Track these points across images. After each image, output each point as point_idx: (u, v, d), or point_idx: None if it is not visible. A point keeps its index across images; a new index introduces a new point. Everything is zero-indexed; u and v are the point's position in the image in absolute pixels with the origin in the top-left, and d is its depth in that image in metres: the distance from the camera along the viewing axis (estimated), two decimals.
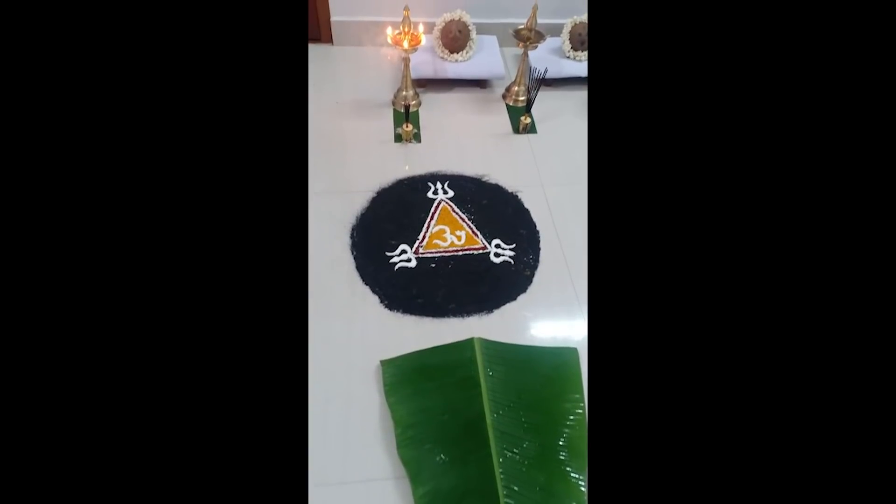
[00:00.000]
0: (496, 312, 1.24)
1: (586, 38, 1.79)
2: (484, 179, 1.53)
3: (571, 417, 1.06)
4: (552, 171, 1.57)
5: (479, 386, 1.07)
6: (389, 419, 1.05)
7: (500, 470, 0.98)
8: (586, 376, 1.11)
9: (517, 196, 1.49)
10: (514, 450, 1.01)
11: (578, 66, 1.80)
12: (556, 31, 1.81)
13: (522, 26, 1.64)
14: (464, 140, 1.64)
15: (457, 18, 1.72)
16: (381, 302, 1.24)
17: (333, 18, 1.84)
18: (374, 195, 1.46)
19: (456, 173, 1.54)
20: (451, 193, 1.48)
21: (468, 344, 1.14)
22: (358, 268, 1.30)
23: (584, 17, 1.78)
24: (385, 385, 1.09)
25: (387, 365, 1.11)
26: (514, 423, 1.04)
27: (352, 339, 1.17)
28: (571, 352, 1.15)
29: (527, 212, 1.46)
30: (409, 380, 1.09)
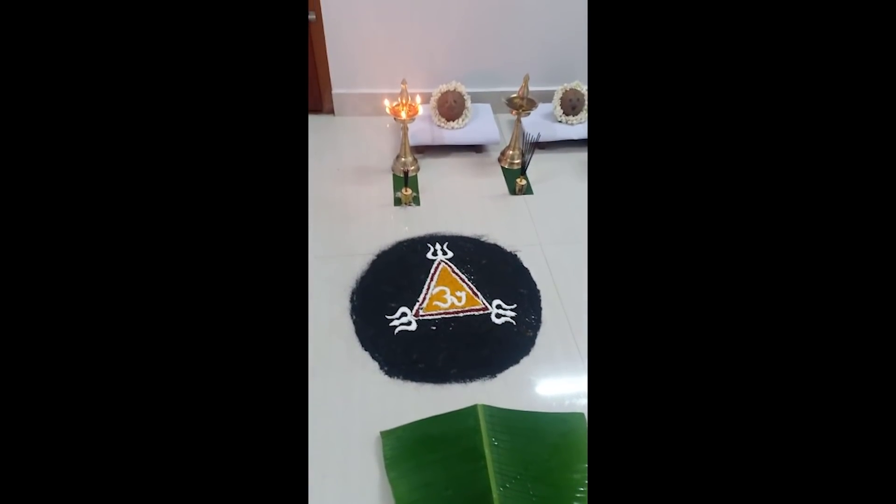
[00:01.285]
0: (499, 377, 1.21)
1: (577, 103, 1.87)
2: (482, 240, 1.55)
3: (581, 489, 1.00)
4: (550, 230, 1.59)
5: (484, 457, 1.03)
6: (390, 495, 0.99)
7: None
8: None
9: (516, 255, 1.50)
10: None
11: (570, 129, 1.88)
12: (547, 97, 1.90)
13: (515, 95, 1.72)
14: (462, 202, 1.68)
15: (452, 89, 1.81)
16: (381, 368, 1.21)
17: (334, 91, 1.94)
18: (374, 258, 1.47)
19: (455, 234, 1.56)
20: (450, 254, 1.49)
21: (471, 412, 1.10)
22: (357, 332, 1.28)
23: (574, 84, 1.87)
24: (385, 458, 1.04)
25: (387, 436, 1.07)
26: (521, 498, 0.98)
27: (350, 409, 1.14)
28: (578, 417, 1.11)
29: (526, 271, 1.46)
30: (411, 452, 1.05)
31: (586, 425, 1.10)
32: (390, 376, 1.20)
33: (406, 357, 1.23)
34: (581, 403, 1.16)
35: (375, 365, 1.22)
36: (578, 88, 1.88)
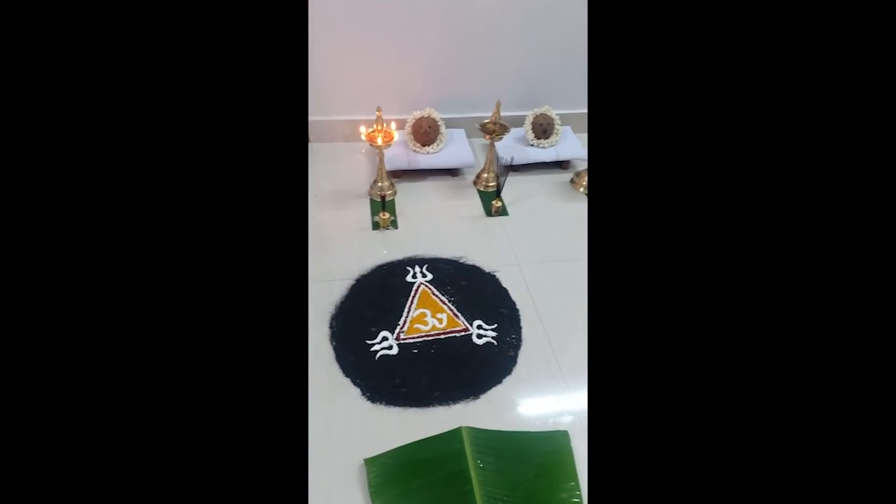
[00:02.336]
0: (483, 397, 1.21)
1: (547, 127, 1.94)
2: (461, 261, 1.56)
3: None
4: (526, 250, 1.62)
5: (471, 481, 1.01)
6: None
7: None
8: (579, 460, 1.07)
9: (495, 276, 1.52)
10: None
11: (542, 152, 1.94)
12: (518, 122, 1.97)
13: (488, 120, 1.77)
14: (440, 224, 1.70)
15: (426, 115, 1.85)
16: (363, 394, 1.19)
17: (310, 118, 1.96)
18: (354, 282, 1.46)
19: (434, 256, 1.57)
20: (429, 276, 1.50)
21: (456, 434, 1.09)
22: (338, 358, 1.27)
23: (544, 109, 1.94)
24: (370, 486, 1.01)
25: (371, 464, 1.05)
26: None
27: (332, 437, 1.11)
28: (562, 435, 1.11)
29: (505, 291, 1.48)
30: (396, 479, 1.03)
31: (570, 443, 1.10)
32: (372, 402, 1.18)
33: (388, 382, 1.22)
34: (565, 421, 1.16)
35: (357, 391, 1.20)
36: (548, 113, 1.94)
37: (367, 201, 1.76)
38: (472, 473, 1.02)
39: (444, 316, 1.38)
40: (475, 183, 1.89)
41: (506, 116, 1.79)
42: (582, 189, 1.88)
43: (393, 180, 1.82)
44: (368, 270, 1.50)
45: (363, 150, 1.98)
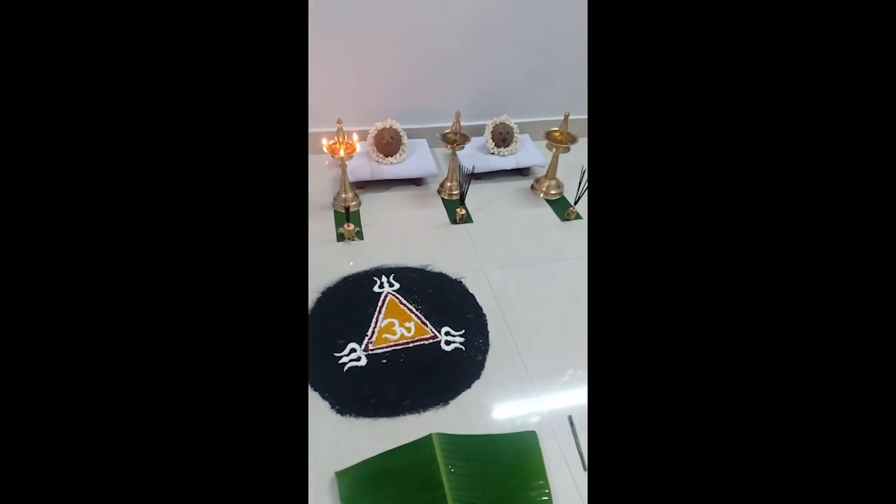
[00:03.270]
0: (452, 403, 1.22)
1: (507, 135, 1.99)
2: (428, 269, 1.58)
3: None
4: (491, 255, 1.65)
5: (442, 486, 1.02)
6: None
7: None
8: (547, 460, 1.10)
9: (461, 282, 1.54)
10: None
11: (502, 160, 1.99)
12: (479, 131, 2.01)
13: (449, 130, 1.81)
14: (405, 233, 1.71)
15: (388, 126, 1.87)
16: (333, 408, 1.19)
17: None
18: (320, 295, 1.46)
19: (400, 265, 1.58)
20: (396, 286, 1.51)
21: (427, 441, 1.10)
22: None
23: (503, 118, 1.99)
24: (342, 499, 1.01)
25: (342, 476, 1.04)
26: None
27: None
28: (531, 435, 1.14)
29: (472, 296, 1.50)
30: (368, 489, 1.02)
31: (539, 443, 1.13)
32: (342, 414, 1.18)
33: (357, 393, 1.22)
34: (532, 422, 1.19)
35: (326, 404, 1.19)
36: (507, 122, 2.00)
37: (331, 213, 1.76)
38: (444, 479, 1.03)
39: (412, 324, 1.39)
40: (439, 192, 1.91)
41: (466, 126, 1.83)
42: (542, 194, 1.93)
43: (357, 191, 1.82)
44: (334, 282, 1.50)
45: (326, 163, 1.98)
